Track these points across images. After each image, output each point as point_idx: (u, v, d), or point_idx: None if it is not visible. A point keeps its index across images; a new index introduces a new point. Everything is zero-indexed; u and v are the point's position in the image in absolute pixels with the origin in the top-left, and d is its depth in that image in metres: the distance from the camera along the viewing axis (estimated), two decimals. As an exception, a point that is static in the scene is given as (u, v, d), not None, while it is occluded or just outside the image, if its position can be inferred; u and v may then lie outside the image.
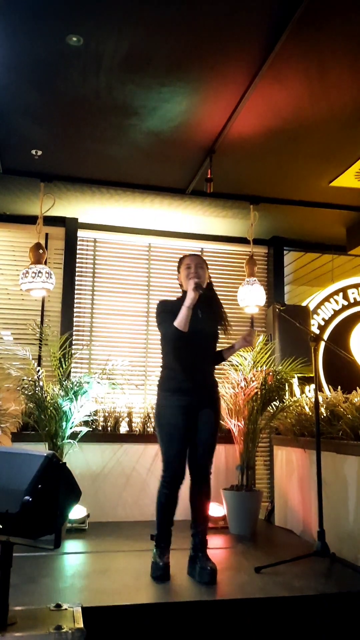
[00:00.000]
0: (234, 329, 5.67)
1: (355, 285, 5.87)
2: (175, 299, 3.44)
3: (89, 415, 4.50)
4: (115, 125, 3.85)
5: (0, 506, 2.13)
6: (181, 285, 3.45)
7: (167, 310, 3.30)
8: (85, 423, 4.67)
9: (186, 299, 3.16)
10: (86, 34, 2.93)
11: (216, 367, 3.50)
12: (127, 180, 4.73)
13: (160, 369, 3.39)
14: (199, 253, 3.50)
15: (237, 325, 5.71)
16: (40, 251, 4.67)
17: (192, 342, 3.21)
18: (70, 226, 5.48)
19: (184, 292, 3.37)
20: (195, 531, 3.27)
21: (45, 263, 4.72)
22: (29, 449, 2.41)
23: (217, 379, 3.46)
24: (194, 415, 3.25)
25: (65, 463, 2.30)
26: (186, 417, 3.21)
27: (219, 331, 3.42)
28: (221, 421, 4.62)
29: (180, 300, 3.32)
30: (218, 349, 3.50)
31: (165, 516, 3.25)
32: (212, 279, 5.98)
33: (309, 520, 4.22)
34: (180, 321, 3.15)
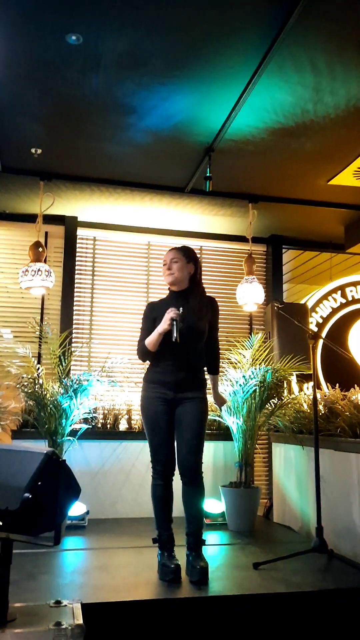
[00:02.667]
0: (233, 327, 5.70)
1: (354, 283, 5.89)
2: (160, 299, 3.46)
3: (89, 413, 4.52)
4: (114, 123, 3.86)
5: (0, 503, 2.14)
6: None
7: (148, 317, 3.34)
8: (85, 420, 4.69)
9: (160, 325, 3.15)
10: (85, 33, 2.94)
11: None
12: (126, 179, 4.73)
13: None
14: (179, 247, 3.43)
15: (236, 323, 5.74)
16: (40, 249, 4.68)
17: (170, 342, 3.14)
18: (69, 224, 5.49)
19: (169, 291, 3.40)
20: (188, 531, 3.22)
21: (45, 261, 4.73)
22: (28, 446, 2.42)
23: (205, 379, 3.38)
24: (174, 409, 3.23)
25: (64, 460, 2.32)
26: (168, 409, 3.22)
27: (206, 325, 3.31)
28: (218, 419, 4.65)
29: (165, 300, 3.35)
30: (216, 368, 3.49)
31: (164, 511, 3.23)
32: (212, 277, 5.99)
33: (307, 517, 4.24)
34: (149, 342, 3.21)
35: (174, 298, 3.31)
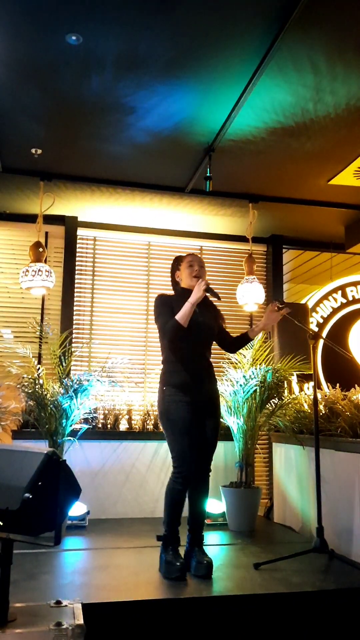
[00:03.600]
0: (233, 327, 5.70)
1: (354, 283, 5.89)
2: (172, 294, 3.48)
3: (89, 413, 4.52)
4: (114, 123, 3.86)
5: (0, 503, 2.14)
6: (177, 284, 3.50)
7: (166, 304, 3.33)
8: (85, 420, 4.69)
9: (192, 295, 3.18)
10: (85, 33, 2.94)
11: (215, 364, 3.52)
12: (127, 179, 4.73)
13: (162, 364, 3.40)
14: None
15: (236, 323, 5.73)
16: (40, 249, 4.68)
17: (191, 336, 3.25)
18: (70, 225, 5.49)
19: (182, 289, 3.43)
20: (192, 527, 3.29)
21: (45, 261, 4.73)
22: (29, 447, 2.42)
23: (216, 376, 3.48)
24: (197, 411, 3.26)
25: (65, 460, 2.32)
26: (193, 413, 3.23)
27: (217, 328, 3.45)
28: (221, 419, 4.66)
29: (178, 296, 3.37)
30: (242, 334, 3.56)
31: (177, 514, 3.22)
32: (212, 277, 6.03)
33: (308, 517, 4.24)
34: (182, 315, 3.17)
35: (186, 297, 3.25)
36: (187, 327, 3.20)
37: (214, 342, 3.55)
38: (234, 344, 3.58)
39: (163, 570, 3.15)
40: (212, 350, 3.48)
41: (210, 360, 3.46)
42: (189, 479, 3.19)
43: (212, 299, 3.33)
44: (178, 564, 3.10)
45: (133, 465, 4.89)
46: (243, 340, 3.57)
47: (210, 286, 3.23)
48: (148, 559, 3.40)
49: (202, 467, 3.32)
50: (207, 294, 3.24)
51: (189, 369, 3.28)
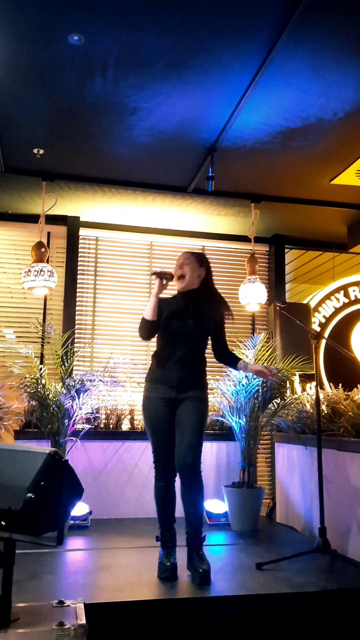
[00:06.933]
0: (235, 327, 5.70)
1: (356, 283, 5.89)
2: (170, 296, 3.48)
3: (91, 413, 4.52)
4: (117, 123, 3.86)
5: (3, 503, 2.14)
6: None
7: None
8: (88, 420, 4.69)
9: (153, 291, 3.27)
10: (87, 33, 2.94)
11: (216, 363, 3.50)
12: (129, 179, 4.74)
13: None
14: (191, 251, 3.53)
15: (238, 323, 5.73)
16: (42, 250, 4.69)
17: (179, 335, 3.25)
18: (72, 225, 5.50)
19: (178, 292, 3.43)
20: (187, 529, 3.19)
21: (47, 261, 4.74)
22: (31, 447, 2.42)
23: (206, 381, 3.37)
24: (175, 409, 3.23)
25: (67, 460, 2.32)
26: (169, 410, 3.21)
27: (211, 327, 3.35)
28: (220, 419, 4.65)
29: (172, 297, 3.42)
30: (237, 357, 3.47)
31: (165, 511, 3.23)
32: (214, 277, 5.99)
33: (310, 517, 4.24)
34: (147, 310, 3.28)
35: (182, 297, 3.35)
36: (176, 328, 3.24)
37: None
38: (225, 357, 3.46)
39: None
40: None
41: (201, 360, 3.34)
42: (166, 472, 3.22)
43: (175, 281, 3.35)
44: (168, 564, 3.12)
45: (135, 465, 4.89)
46: (232, 362, 3.47)
47: (157, 270, 3.30)
48: (150, 559, 3.39)
49: (185, 463, 3.13)
50: (159, 277, 3.26)
51: (171, 367, 3.24)
